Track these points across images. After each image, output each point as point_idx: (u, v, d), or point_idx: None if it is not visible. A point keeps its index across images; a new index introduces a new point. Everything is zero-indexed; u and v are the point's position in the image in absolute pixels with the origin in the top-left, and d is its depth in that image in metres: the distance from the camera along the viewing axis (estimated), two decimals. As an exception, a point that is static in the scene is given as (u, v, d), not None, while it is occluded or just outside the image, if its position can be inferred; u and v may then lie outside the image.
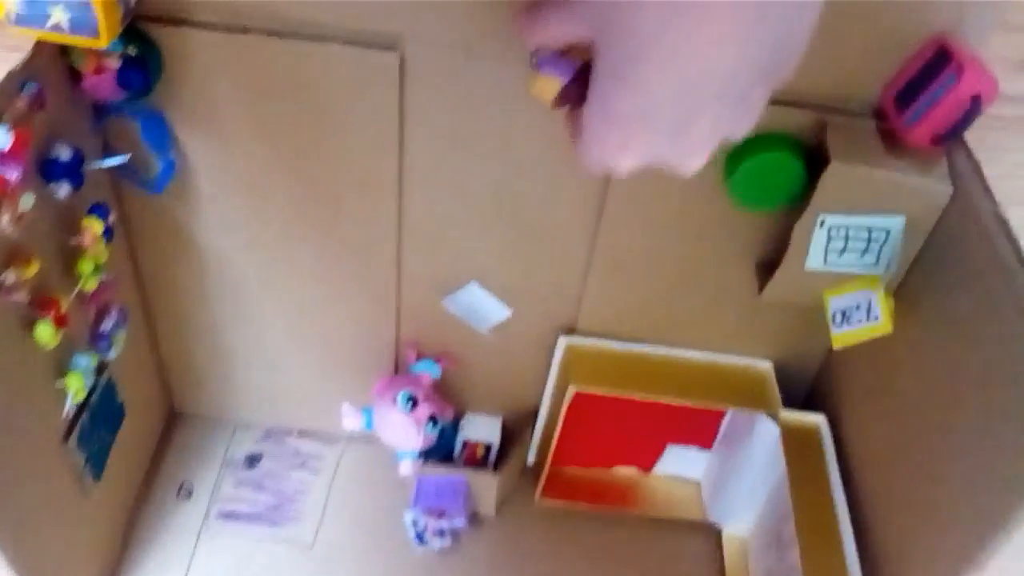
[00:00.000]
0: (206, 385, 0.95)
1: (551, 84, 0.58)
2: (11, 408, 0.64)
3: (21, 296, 0.63)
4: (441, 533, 0.89)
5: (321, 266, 0.81)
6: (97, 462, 0.79)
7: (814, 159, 0.66)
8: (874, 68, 0.63)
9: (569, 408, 0.83)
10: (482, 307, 0.83)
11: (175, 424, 0.98)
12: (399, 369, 0.91)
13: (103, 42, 0.59)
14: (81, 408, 0.75)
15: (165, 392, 0.96)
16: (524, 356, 0.89)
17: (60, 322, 0.67)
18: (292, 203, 0.76)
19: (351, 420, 0.87)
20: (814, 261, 0.68)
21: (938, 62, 0.59)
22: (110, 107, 0.70)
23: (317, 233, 0.79)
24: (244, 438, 0.98)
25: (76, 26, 0.58)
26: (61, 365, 0.71)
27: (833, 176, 0.63)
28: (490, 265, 0.81)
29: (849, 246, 0.67)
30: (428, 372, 0.88)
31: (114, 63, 0.66)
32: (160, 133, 0.71)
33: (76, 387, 0.71)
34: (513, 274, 0.81)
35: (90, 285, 0.70)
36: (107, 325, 0.76)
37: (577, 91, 0.58)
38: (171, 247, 0.81)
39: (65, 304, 0.67)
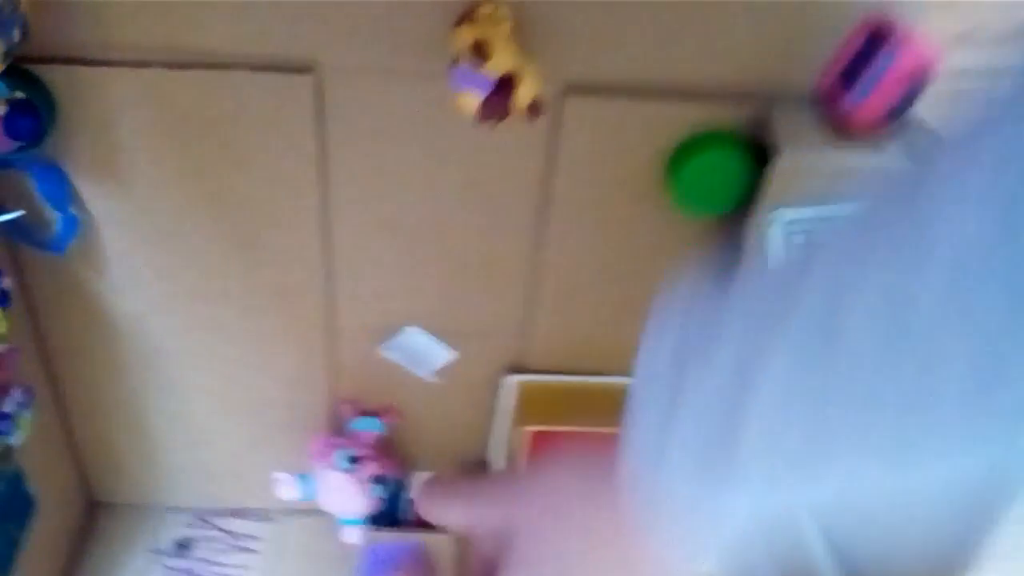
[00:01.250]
0: (127, 468, 0.87)
1: (470, 100, 0.56)
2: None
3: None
4: (398, 604, 0.82)
5: (243, 322, 0.75)
6: (3, 563, 0.71)
7: (760, 155, 0.63)
8: (813, 52, 0.61)
9: (528, 449, 0.77)
10: (424, 351, 0.78)
11: (96, 514, 0.90)
12: (337, 431, 0.85)
13: (-18, 81, 0.54)
14: (-16, 501, 0.67)
15: (83, 480, 0.88)
16: (473, 401, 0.83)
17: (-47, 401, 0.59)
18: (207, 253, 0.70)
19: (287, 490, 0.80)
20: (774, 264, 0.65)
21: (877, 39, 0.58)
22: (0, 161, 0.63)
23: (237, 284, 0.73)
24: (172, 523, 0.90)
25: (-49, 61, 0.52)
26: (-43, 452, 0.63)
27: (784, 165, 0.61)
28: (429, 305, 0.76)
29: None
30: (370, 429, 0.82)
31: (-1, 109, 0.60)
32: (59, 187, 0.65)
33: (-25, 475, 0.64)
34: (455, 313, 0.76)
35: (-14, 359, 0.63)
36: (9, 406, 0.68)
37: (497, 103, 0.55)
38: (78, 314, 0.74)
39: (-42, 381, 0.60)
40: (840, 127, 0.61)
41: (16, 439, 0.69)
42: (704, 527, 0.27)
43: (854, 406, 0.22)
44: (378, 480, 0.80)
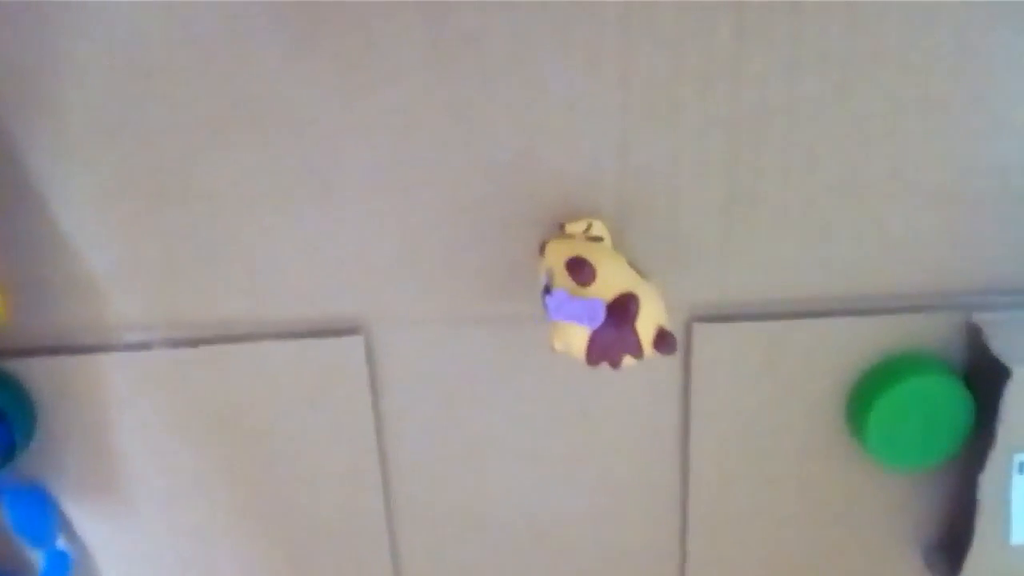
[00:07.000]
0: None
1: (575, 334, 0.40)
2: None
3: None
4: None
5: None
6: None
7: (978, 381, 0.46)
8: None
9: None
10: None
11: None
12: None
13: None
14: None
15: None
16: None
17: None
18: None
19: None
20: (1022, 530, 0.46)
21: None
22: (-36, 487, 0.49)
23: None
24: None
25: None
26: None
27: (1018, 390, 0.43)
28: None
29: (1068, 495, 0.45)
30: None
31: (-41, 419, 0.46)
32: (40, 515, 0.50)
33: None
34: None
35: None
36: None
37: (614, 335, 0.39)
38: None
39: None
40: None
41: None
42: None
43: None
44: None
